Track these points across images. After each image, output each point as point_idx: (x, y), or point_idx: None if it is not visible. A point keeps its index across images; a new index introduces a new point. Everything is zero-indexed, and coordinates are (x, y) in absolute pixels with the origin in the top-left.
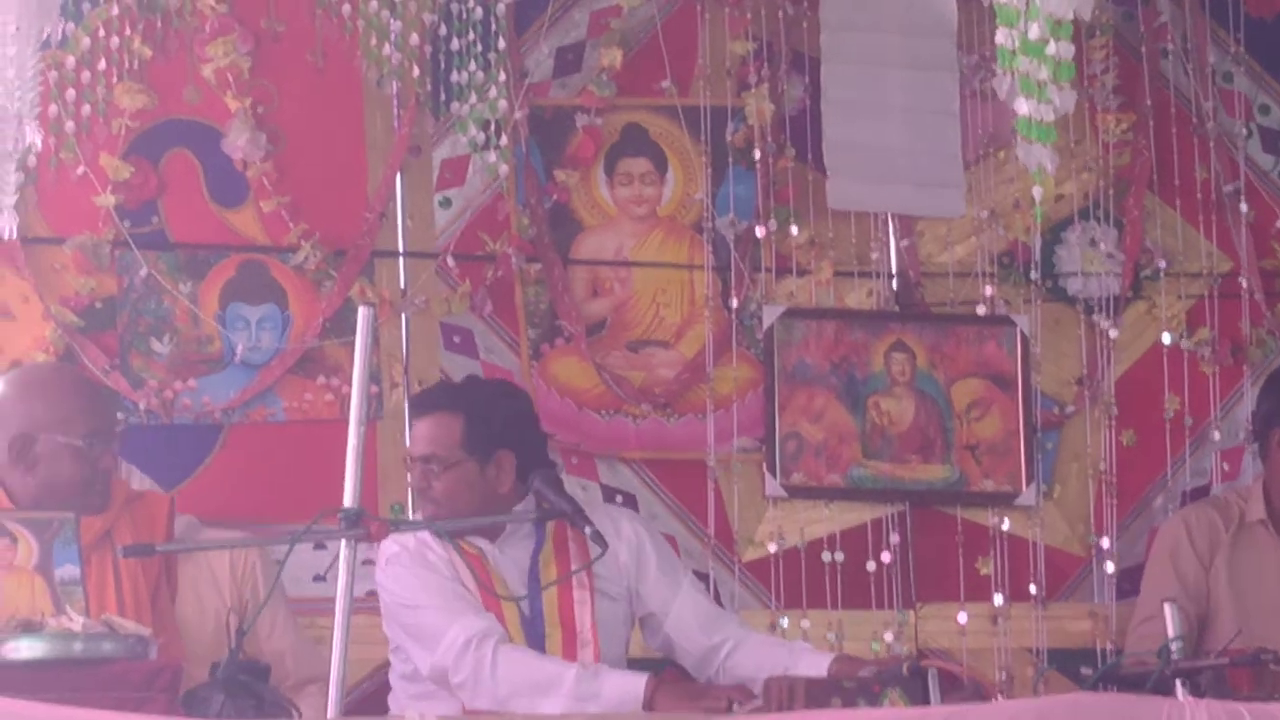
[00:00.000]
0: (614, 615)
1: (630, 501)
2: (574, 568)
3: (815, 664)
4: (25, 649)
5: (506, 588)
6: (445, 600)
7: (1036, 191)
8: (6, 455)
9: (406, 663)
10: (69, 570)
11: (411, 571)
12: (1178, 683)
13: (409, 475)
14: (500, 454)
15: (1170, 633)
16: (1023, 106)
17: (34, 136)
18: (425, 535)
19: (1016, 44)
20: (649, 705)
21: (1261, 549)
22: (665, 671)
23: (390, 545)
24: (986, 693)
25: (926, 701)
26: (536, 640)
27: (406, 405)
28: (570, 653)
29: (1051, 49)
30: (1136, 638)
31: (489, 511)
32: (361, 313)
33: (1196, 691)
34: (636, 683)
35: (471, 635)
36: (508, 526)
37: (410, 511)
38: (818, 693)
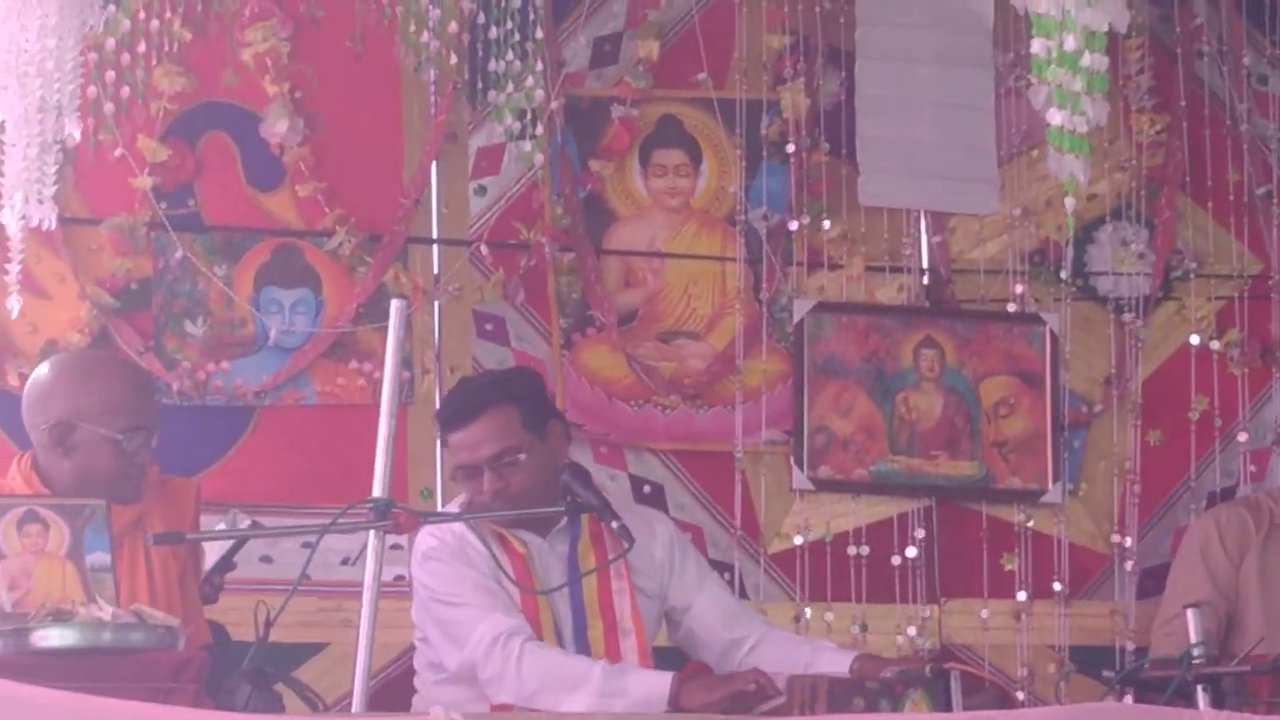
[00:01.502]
0: (649, 611)
1: (658, 491)
2: (605, 560)
3: (836, 662)
4: (55, 637)
5: (546, 584)
6: (479, 598)
7: (1069, 202)
8: (46, 439)
9: (433, 652)
10: (100, 558)
11: (450, 567)
12: (1199, 689)
13: (478, 483)
14: (552, 423)
15: (1192, 638)
16: (1056, 117)
17: (73, 129)
18: (465, 530)
19: (1053, 55)
20: (675, 700)
21: None
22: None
23: (428, 539)
24: (1007, 696)
25: (949, 704)
26: (579, 632)
27: (439, 420)
28: (612, 642)
29: (1086, 60)
30: (1161, 635)
31: (555, 488)
32: (395, 305)
33: (1218, 696)
34: (662, 680)
35: (499, 633)
36: (562, 521)
37: (440, 502)
38: (840, 693)
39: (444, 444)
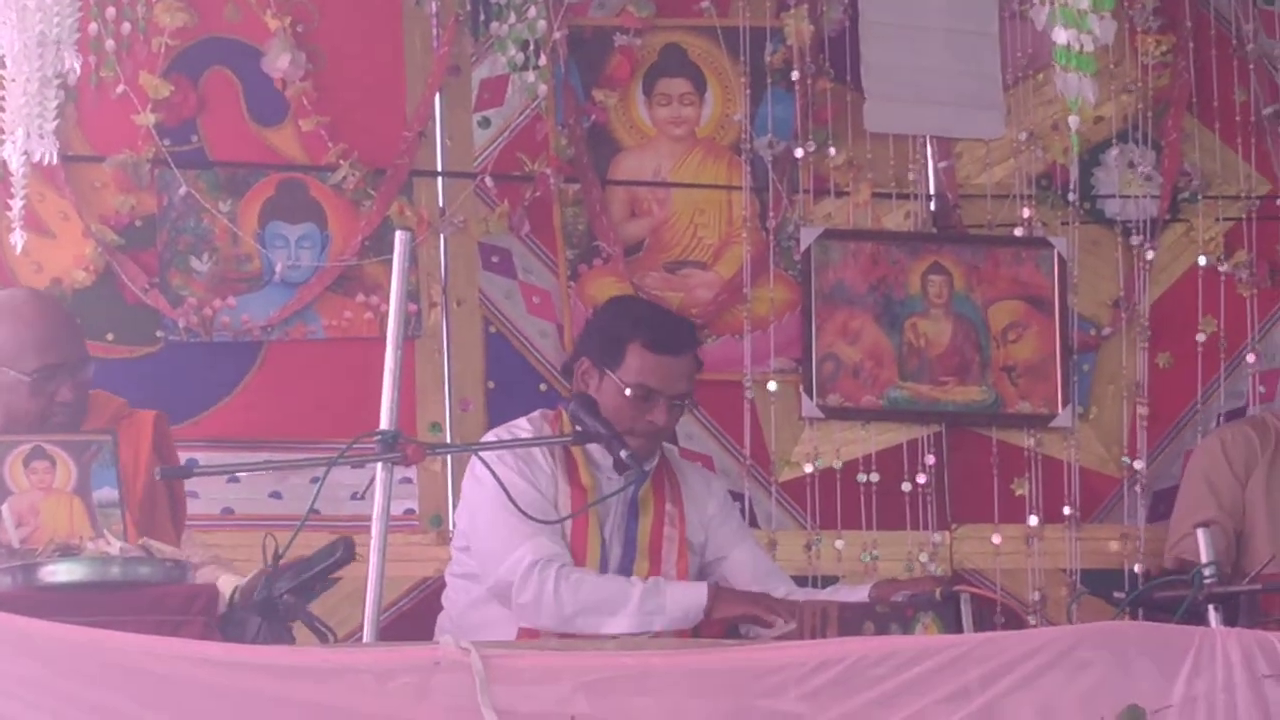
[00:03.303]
0: (691, 563)
1: None
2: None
3: (855, 596)
4: (63, 572)
5: (602, 519)
6: (528, 510)
7: (1073, 120)
8: None
9: (470, 561)
10: (107, 493)
11: (514, 470)
12: (1210, 608)
13: (644, 407)
14: None
15: (1203, 558)
16: (1061, 36)
17: (73, 62)
18: (536, 445)
19: None
20: (710, 610)
21: None
22: None
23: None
24: (1017, 617)
25: (960, 626)
26: (625, 567)
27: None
28: None
29: None
30: (1171, 556)
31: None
32: (399, 237)
33: (1230, 615)
34: (699, 591)
35: (539, 558)
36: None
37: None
38: (851, 617)
39: (617, 357)
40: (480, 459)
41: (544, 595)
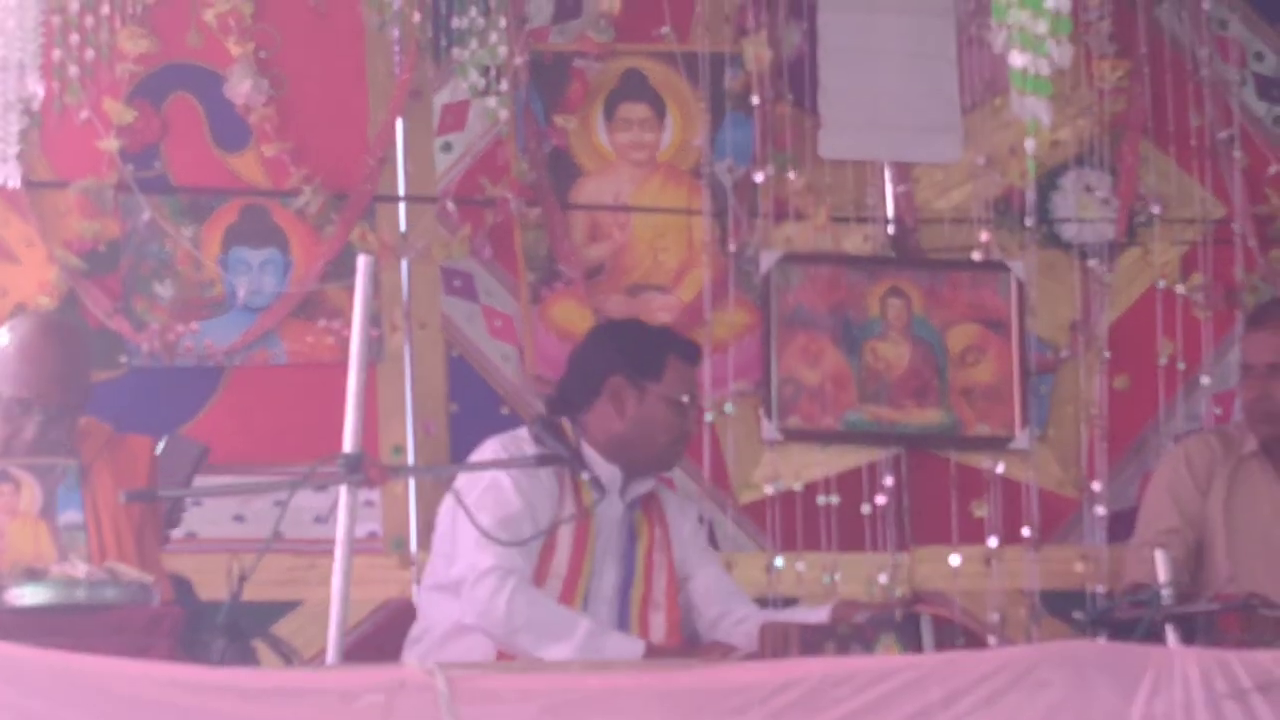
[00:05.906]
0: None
1: None
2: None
3: (815, 616)
4: (29, 595)
5: (597, 540)
6: (503, 525)
7: (1029, 144)
8: None
9: (447, 570)
10: (72, 516)
11: (512, 483)
12: (1168, 628)
13: (686, 422)
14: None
15: (1161, 578)
16: (1018, 59)
17: (36, 86)
18: (543, 467)
19: None
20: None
21: (1256, 483)
22: None
23: (499, 451)
24: (977, 638)
25: (920, 647)
26: (624, 588)
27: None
28: (644, 611)
29: (1050, 3)
30: (1134, 563)
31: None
32: (361, 261)
33: (1188, 635)
34: (635, 647)
35: (499, 565)
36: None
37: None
38: (812, 638)
39: (658, 370)
40: (463, 490)
41: (497, 601)
